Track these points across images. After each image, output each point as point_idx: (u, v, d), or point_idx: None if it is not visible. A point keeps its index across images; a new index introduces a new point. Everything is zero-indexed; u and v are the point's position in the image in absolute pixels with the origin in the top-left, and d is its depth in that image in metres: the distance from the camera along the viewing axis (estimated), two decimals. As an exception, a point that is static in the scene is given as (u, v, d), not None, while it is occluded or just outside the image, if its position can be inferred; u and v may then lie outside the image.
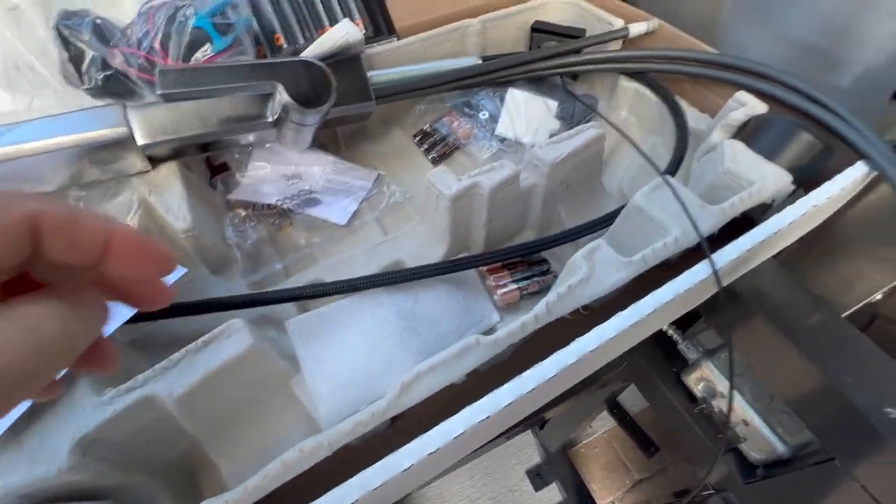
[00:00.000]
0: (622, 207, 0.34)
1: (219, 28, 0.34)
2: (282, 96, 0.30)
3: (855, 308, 0.45)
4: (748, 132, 0.36)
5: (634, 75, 0.46)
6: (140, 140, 0.33)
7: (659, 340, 0.54)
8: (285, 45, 0.40)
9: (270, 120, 0.35)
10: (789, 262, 0.48)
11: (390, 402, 0.23)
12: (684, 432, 0.51)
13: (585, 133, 0.35)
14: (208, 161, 0.41)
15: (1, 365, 0.12)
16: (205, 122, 0.34)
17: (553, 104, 0.44)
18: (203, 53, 0.33)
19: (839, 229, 0.42)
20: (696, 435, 0.49)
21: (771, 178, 0.31)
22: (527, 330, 0.25)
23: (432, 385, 0.23)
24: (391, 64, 0.45)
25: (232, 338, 0.25)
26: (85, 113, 0.32)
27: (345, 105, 0.39)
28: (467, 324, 0.33)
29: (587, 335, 0.24)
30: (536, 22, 0.50)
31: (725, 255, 0.27)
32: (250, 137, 0.39)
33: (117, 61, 0.33)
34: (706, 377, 0.47)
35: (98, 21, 0.34)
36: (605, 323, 0.24)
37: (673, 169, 0.38)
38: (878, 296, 0.45)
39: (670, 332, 0.50)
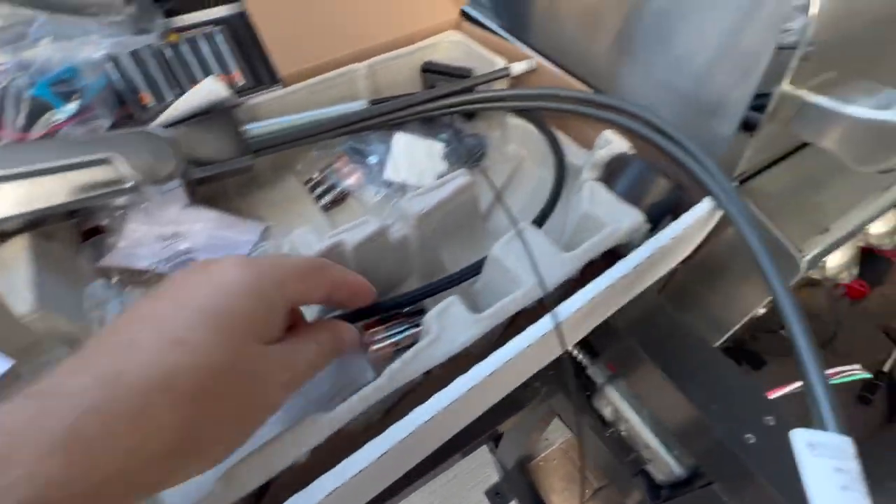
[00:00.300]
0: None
1: (62, 96, 0.32)
2: (123, 169, 0.29)
3: (740, 324, 0.47)
4: (612, 172, 0.37)
5: (522, 112, 0.48)
6: None
7: (574, 363, 0.55)
8: (153, 103, 0.39)
9: (128, 186, 0.34)
10: (680, 285, 0.50)
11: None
12: (601, 455, 0.51)
13: (453, 182, 0.35)
14: (78, 226, 0.39)
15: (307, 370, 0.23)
16: (51, 196, 0.32)
17: (439, 146, 0.45)
18: (47, 123, 0.32)
19: (716, 253, 0.44)
20: (610, 458, 0.50)
21: (625, 219, 0.32)
22: (368, 402, 0.24)
23: (266, 472, 0.22)
24: (276, 113, 0.44)
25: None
26: None
27: (219, 162, 0.38)
28: (343, 382, 0.32)
29: (425, 405, 0.24)
30: (426, 63, 0.50)
31: (568, 308, 0.27)
32: (120, 200, 0.37)
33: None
34: (612, 401, 0.48)
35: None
36: (445, 389, 0.24)
37: (544, 215, 0.39)
38: (762, 310, 0.47)
39: (580, 356, 0.51)
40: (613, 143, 0.38)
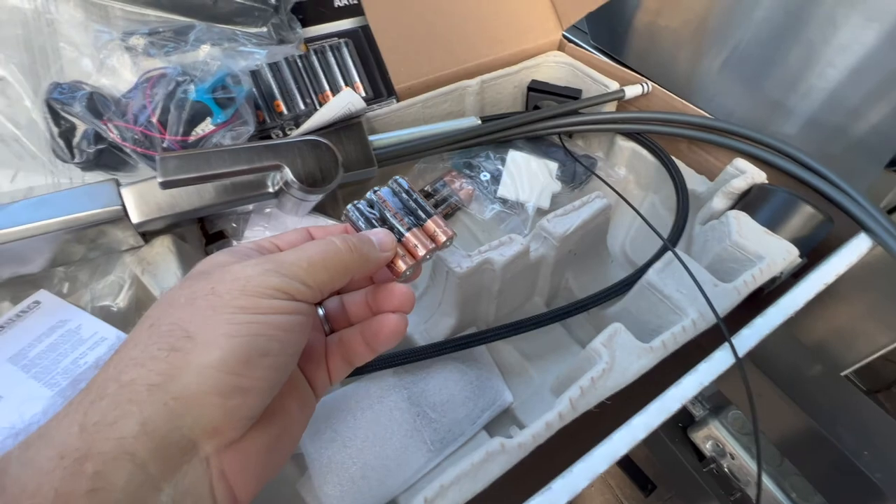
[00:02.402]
0: (633, 277, 0.34)
1: (219, 102, 0.33)
2: (287, 176, 0.30)
3: (857, 366, 0.45)
4: (750, 201, 0.36)
5: (631, 135, 0.47)
6: (135, 219, 0.31)
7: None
8: (285, 112, 0.40)
9: (272, 191, 0.34)
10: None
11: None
12: (692, 490, 0.50)
13: (592, 204, 0.35)
14: (203, 228, 0.40)
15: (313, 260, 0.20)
16: (203, 197, 0.33)
17: (553, 166, 0.45)
18: (203, 128, 0.32)
19: (836, 287, 0.43)
20: (705, 493, 0.48)
21: (779, 253, 0.31)
22: (552, 429, 0.24)
23: (457, 499, 0.22)
24: (391, 125, 0.45)
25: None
26: (75, 191, 0.30)
27: (347, 172, 0.38)
28: (481, 406, 0.31)
29: (616, 439, 0.23)
30: (533, 81, 0.50)
31: (746, 341, 0.26)
32: (249, 206, 0.37)
33: (112, 135, 0.32)
34: (714, 436, 0.46)
35: (91, 93, 0.32)
36: (634, 422, 0.23)
37: (676, 237, 0.38)
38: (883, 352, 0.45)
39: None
40: (749, 172, 0.37)
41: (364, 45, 0.45)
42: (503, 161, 0.45)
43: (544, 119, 0.46)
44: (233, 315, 0.17)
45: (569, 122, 0.46)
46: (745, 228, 0.33)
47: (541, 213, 0.43)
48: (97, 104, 0.32)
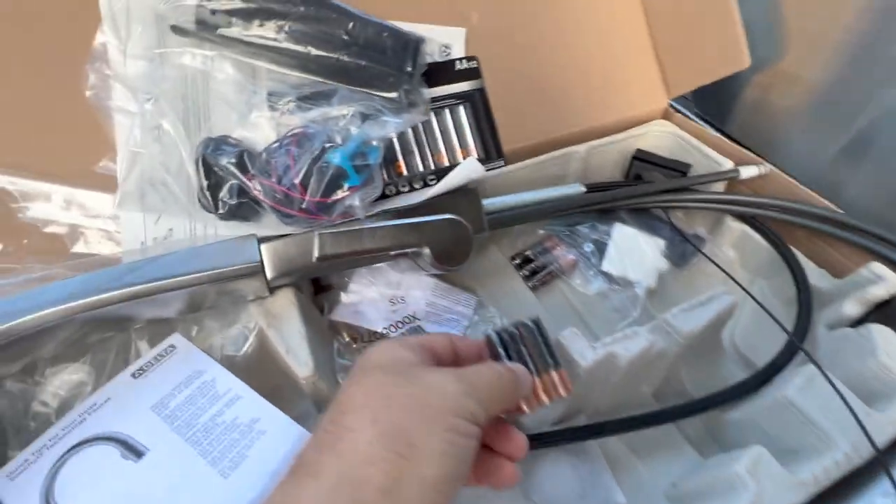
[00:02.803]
0: (757, 379, 0.32)
1: (356, 167, 0.34)
2: (426, 255, 0.30)
3: None
4: (888, 314, 0.34)
5: (742, 217, 0.45)
6: (270, 274, 0.32)
7: None
8: (405, 172, 0.41)
9: (392, 253, 0.35)
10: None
11: None
12: None
13: (720, 301, 0.33)
14: (314, 279, 0.41)
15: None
16: (335, 258, 0.33)
17: (661, 243, 0.43)
18: (340, 192, 0.33)
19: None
20: None
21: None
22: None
23: None
24: (499, 188, 0.45)
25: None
26: (223, 245, 0.32)
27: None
28: None
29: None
30: (638, 151, 0.50)
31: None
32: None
33: (255, 192, 0.34)
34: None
35: (241, 151, 0.34)
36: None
37: (801, 335, 0.36)
38: None
39: None
40: (889, 280, 0.35)
41: (479, 107, 0.45)
42: (608, 232, 0.44)
43: (650, 193, 0.45)
44: (445, 433, 0.18)
45: (678, 198, 0.45)
46: (892, 349, 0.31)
47: (649, 293, 0.42)
48: (245, 161, 0.34)
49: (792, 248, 0.43)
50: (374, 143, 0.35)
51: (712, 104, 0.57)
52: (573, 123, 0.50)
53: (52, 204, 0.35)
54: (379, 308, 0.39)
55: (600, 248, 0.44)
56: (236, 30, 0.35)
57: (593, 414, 0.35)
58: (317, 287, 0.41)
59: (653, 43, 0.52)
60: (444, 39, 0.45)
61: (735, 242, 0.46)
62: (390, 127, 0.36)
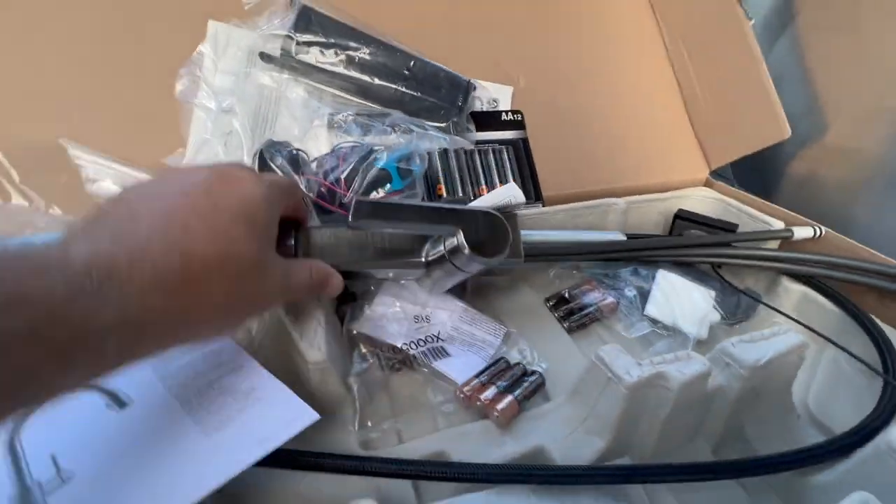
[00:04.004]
0: (843, 442, 0.26)
1: (401, 172, 0.35)
2: (460, 242, 0.29)
3: None
4: None
5: (800, 278, 0.42)
6: (300, 256, 0.32)
7: None
8: (444, 195, 0.42)
9: (423, 260, 0.34)
10: None
11: None
12: None
13: (787, 338, 0.29)
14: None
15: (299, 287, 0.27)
16: (362, 253, 0.33)
17: (712, 293, 0.40)
18: (381, 191, 0.34)
19: None
20: None
21: None
22: None
23: None
24: (536, 227, 0.44)
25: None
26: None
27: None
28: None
29: None
30: (680, 210, 0.49)
31: None
32: (389, 276, 0.37)
33: (301, 186, 0.35)
34: None
35: (294, 151, 0.37)
36: None
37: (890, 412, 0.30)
38: None
39: None
40: None
41: (522, 154, 0.48)
42: (651, 277, 0.41)
43: (696, 246, 0.43)
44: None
45: (727, 252, 0.43)
46: None
47: (698, 346, 0.38)
48: (297, 160, 0.36)
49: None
50: (420, 153, 0.37)
51: (755, 179, 0.57)
52: (612, 181, 0.52)
53: (118, 184, 0.37)
54: (402, 324, 0.37)
55: (643, 294, 0.41)
56: (312, 58, 0.40)
57: (639, 457, 0.29)
58: (338, 298, 0.40)
59: (689, 117, 0.55)
60: (493, 95, 0.49)
61: (795, 306, 0.42)
62: (436, 142, 0.38)
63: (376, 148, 0.35)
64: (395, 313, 0.38)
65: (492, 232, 0.30)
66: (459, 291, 0.44)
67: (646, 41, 0.57)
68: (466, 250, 0.29)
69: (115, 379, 0.25)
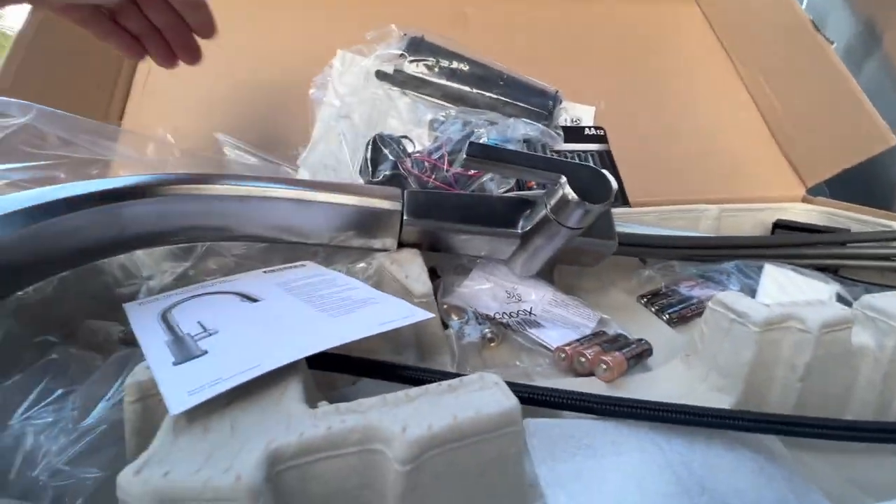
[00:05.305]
0: None
1: (499, 151, 0.38)
2: (565, 190, 0.30)
3: None
4: None
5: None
6: (406, 216, 0.34)
7: None
8: (535, 187, 0.43)
9: (519, 231, 0.35)
10: None
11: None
12: None
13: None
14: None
15: None
16: (463, 217, 0.35)
17: (835, 287, 0.37)
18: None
19: None
20: None
21: None
22: None
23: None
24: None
25: (486, 392, 0.18)
26: (369, 186, 0.36)
27: (588, 238, 0.38)
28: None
29: None
30: (779, 220, 0.47)
31: None
32: (483, 252, 0.38)
33: (405, 164, 0.39)
34: None
35: (405, 139, 0.41)
36: None
37: None
38: None
39: None
40: None
41: (607, 164, 0.49)
42: (757, 270, 0.39)
43: (809, 245, 0.41)
44: None
45: (843, 253, 0.40)
46: None
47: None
48: (405, 145, 0.41)
49: None
50: (517, 137, 0.40)
51: (858, 196, 0.54)
52: (701, 193, 0.51)
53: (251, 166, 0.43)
54: (496, 296, 0.37)
55: (751, 291, 0.38)
56: (419, 73, 0.47)
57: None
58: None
59: (775, 139, 0.55)
60: (576, 114, 0.53)
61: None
62: (532, 129, 0.41)
63: (476, 130, 0.39)
64: (488, 289, 0.38)
65: (596, 184, 0.31)
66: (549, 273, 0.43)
67: (718, 71, 0.59)
68: (572, 195, 0.30)
69: (246, 286, 0.27)
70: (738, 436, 0.22)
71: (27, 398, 0.19)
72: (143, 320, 0.23)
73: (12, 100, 0.27)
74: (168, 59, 0.33)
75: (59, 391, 0.19)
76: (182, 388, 0.16)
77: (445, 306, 0.37)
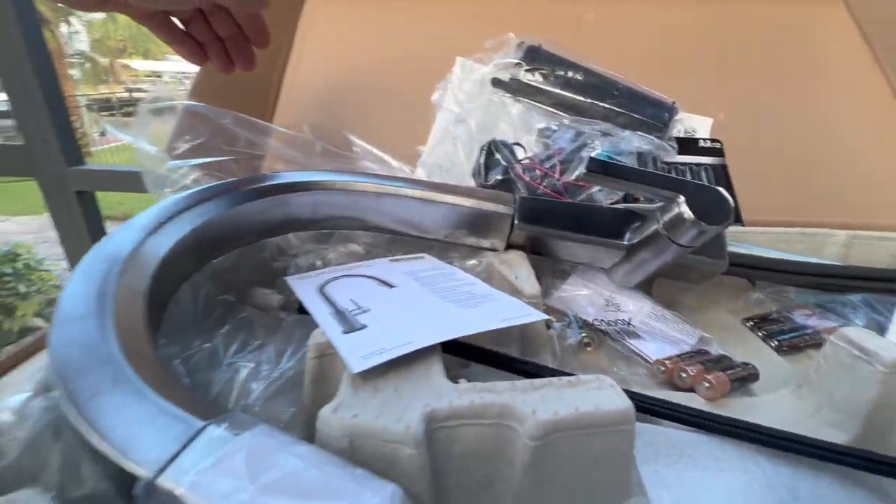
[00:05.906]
0: None
1: (611, 163, 0.39)
2: (682, 208, 0.31)
3: None
4: None
5: None
6: (518, 220, 0.37)
7: None
8: (641, 200, 0.44)
9: (625, 243, 0.36)
10: None
11: None
12: None
13: None
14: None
15: None
16: (572, 226, 0.37)
17: None
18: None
19: None
20: None
21: None
22: None
23: None
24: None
25: (603, 392, 0.20)
26: (484, 191, 0.39)
27: (698, 255, 0.37)
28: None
29: None
30: (924, 253, 0.42)
31: None
32: (586, 259, 0.40)
33: (516, 170, 0.41)
34: None
35: (517, 144, 0.44)
36: None
37: None
38: None
39: None
40: None
41: (721, 176, 0.48)
42: (886, 309, 0.36)
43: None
44: None
45: None
46: None
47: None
48: (515, 152, 0.43)
49: None
50: (630, 150, 0.40)
51: None
52: (824, 214, 0.47)
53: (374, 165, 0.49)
54: (594, 302, 0.39)
55: (880, 328, 0.36)
56: (534, 82, 0.49)
57: None
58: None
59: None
60: (691, 125, 0.51)
61: None
62: (645, 142, 0.41)
63: (589, 142, 0.40)
64: (586, 295, 0.40)
65: (714, 205, 0.31)
66: (649, 286, 0.44)
67: (864, 83, 0.53)
68: (689, 214, 0.30)
69: (380, 272, 0.32)
70: (852, 474, 0.22)
71: (231, 347, 0.25)
72: (307, 293, 0.28)
73: (220, 109, 0.35)
74: (227, 66, 0.36)
75: (256, 343, 0.25)
76: (357, 353, 0.21)
77: (545, 308, 0.39)
